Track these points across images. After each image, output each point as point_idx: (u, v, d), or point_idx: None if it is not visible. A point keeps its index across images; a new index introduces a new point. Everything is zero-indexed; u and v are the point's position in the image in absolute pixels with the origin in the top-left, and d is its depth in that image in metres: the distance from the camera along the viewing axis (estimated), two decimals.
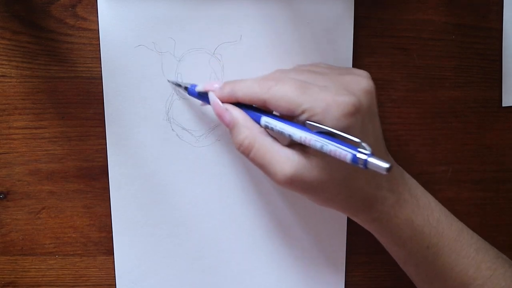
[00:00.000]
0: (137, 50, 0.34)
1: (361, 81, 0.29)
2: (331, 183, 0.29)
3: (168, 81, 0.35)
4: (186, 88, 0.34)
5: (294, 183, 0.29)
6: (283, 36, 0.35)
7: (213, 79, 0.35)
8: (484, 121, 0.37)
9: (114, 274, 0.37)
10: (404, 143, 0.37)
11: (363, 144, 0.26)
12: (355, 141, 0.26)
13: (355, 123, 0.27)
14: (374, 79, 0.36)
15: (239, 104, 0.31)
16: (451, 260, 0.31)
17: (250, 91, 0.30)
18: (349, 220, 0.37)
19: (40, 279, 0.38)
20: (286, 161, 0.29)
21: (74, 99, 0.35)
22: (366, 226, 0.33)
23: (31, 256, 0.37)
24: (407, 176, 0.33)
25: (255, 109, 0.31)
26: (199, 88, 0.33)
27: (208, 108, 0.35)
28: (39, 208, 0.37)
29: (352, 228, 0.38)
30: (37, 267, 0.37)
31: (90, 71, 0.35)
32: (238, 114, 0.30)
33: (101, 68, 0.35)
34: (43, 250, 0.37)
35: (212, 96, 0.31)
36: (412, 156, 0.37)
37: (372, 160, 0.25)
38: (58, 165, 0.36)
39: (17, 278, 0.38)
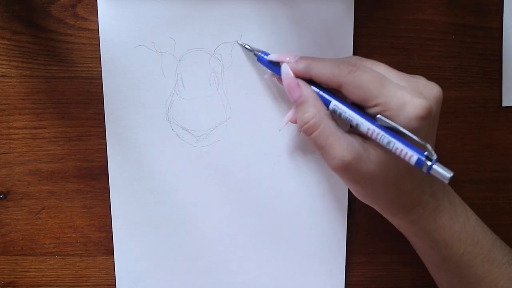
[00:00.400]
0: (137, 50, 0.34)
1: (434, 88, 0.29)
2: (382, 179, 0.29)
3: (238, 42, 0.34)
4: (255, 55, 0.33)
5: (348, 171, 0.29)
6: (283, 36, 0.35)
7: (213, 79, 0.35)
8: (484, 121, 0.37)
9: (114, 274, 0.37)
10: None
11: (430, 148, 0.26)
12: (423, 145, 0.27)
13: (423, 126, 0.28)
14: None
15: (309, 82, 0.31)
16: (484, 269, 0.32)
17: (329, 71, 0.30)
18: (349, 220, 0.37)
19: (40, 279, 0.38)
20: (347, 147, 0.29)
21: (74, 99, 0.35)
22: (403, 228, 0.33)
23: (31, 256, 0.37)
24: (447, 184, 0.33)
25: (324, 91, 0.31)
26: (272, 57, 0.32)
27: (207, 108, 0.35)
28: (39, 208, 0.37)
29: (352, 228, 0.38)
30: (37, 267, 0.37)
31: (90, 71, 0.35)
32: (309, 92, 0.30)
33: (101, 68, 0.35)
34: (43, 250, 0.37)
35: (286, 68, 0.31)
36: None
37: (437, 167, 0.26)
38: (58, 165, 0.36)
39: (17, 278, 0.38)
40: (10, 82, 0.35)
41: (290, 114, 0.33)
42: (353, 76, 0.29)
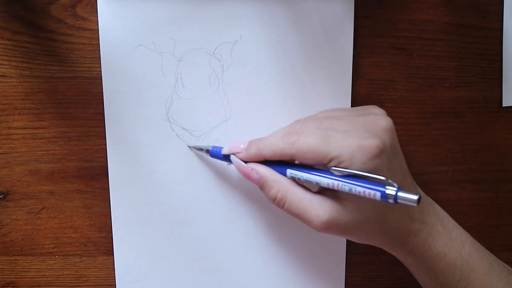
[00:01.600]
0: (137, 50, 0.34)
1: (380, 120, 0.30)
2: (365, 222, 0.30)
3: (189, 147, 0.35)
4: (207, 151, 0.34)
5: (331, 227, 0.30)
6: (283, 36, 0.35)
7: (213, 79, 0.35)
8: (484, 121, 0.37)
9: (114, 274, 0.37)
10: (404, 143, 0.37)
11: (389, 181, 0.27)
12: (382, 180, 0.27)
13: (381, 163, 0.28)
14: (374, 79, 0.36)
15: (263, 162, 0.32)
16: None
17: (276, 148, 0.30)
18: None
19: (40, 279, 0.38)
20: (320, 207, 0.29)
21: (74, 99, 0.35)
22: (403, 259, 0.33)
23: (31, 256, 0.37)
24: (438, 207, 0.33)
25: (278, 162, 0.31)
26: (225, 151, 0.33)
27: (207, 108, 0.35)
28: (39, 208, 0.37)
29: None
30: (37, 267, 0.37)
31: (90, 71, 0.35)
32: (264, 171, 0.31)
33: (101, 68, 0.35)
34: (43, 250, 0.37)
35: (234, 159, 0.32)
36: (412, 156, 0.37)
37: (402, 194, 0.26)
38: (58, 165, 0.36)
39: (17, 278, 0.38)
40: (10, 82, 0.35)
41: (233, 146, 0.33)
42: (297, 145, 0.29)
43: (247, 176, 0.32)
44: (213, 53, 0.35)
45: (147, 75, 0.35)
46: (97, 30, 0.34)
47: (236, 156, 0.32)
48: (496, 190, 0.38)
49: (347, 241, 0.37)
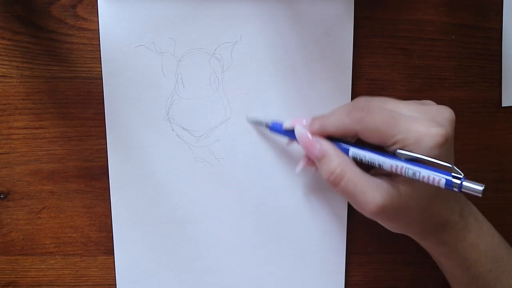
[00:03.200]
0: (137, 50, 0.34)
1: (445, 111, 0.30)
2: (413, 209, 0.30)
3: (247, 118, 0.35)
4: (267, 126, 0.34)
5: (383, 212, 0.29)
6: (283, 36, 0.35)
7: (213, 79, 0.35)
8: (484, 121, 0.37)
9: (114, 274, 0.37)
10: None
11: (455, 168, 0.27)
12: (448, 167, 0.27)
13: (443, 152, 0.28)
14: (374, 79, 0.36)
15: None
16: (509, 285, 0.32)
17: (340, 124, 0.30)
18: (349, 220, 0.37)
19: (41, 279, 0.38)
20: (377, 190, 0.29)
21: (74, 99, 0.35)
22: (433, 250, 0.33)
23: (31, 256, 0.37)
24: (471, 203, 0.34)
25: (340, 141, 0.31)
26: (287, 125, 0.33)
27: (207, 108, 0.35)
28: (40, 208, 0.37)
29: (352, 228, 0.38)
30: (37, 267, 0.37)
31: (90, 71, 0.35)
32: (327, 144, 0.31)
33: (101, 68, 0.35)
34: (43, 250, 0.37)
35: (299, 128, 0.32)
36: None
37: (467, 183, 0.27)
38: (58, 165, 0.36)
39: (18, 278, 0.38)
40: (10, 82, 0.35)
41: (304, 160, 0.33)
42: (365, 122, 0.29)
43: (309, 147, 0.31)
44: (213, 53, 0.35)
45: (147, 75, 0.35)
46: (98, 30, 0.34)
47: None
48: (496, 190, 0.38)
49: (347, 241, 0.37)
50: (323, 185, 0.36)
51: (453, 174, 0.27)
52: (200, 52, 0.35)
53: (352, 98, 0.36)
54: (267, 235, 0.37)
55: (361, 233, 0.38)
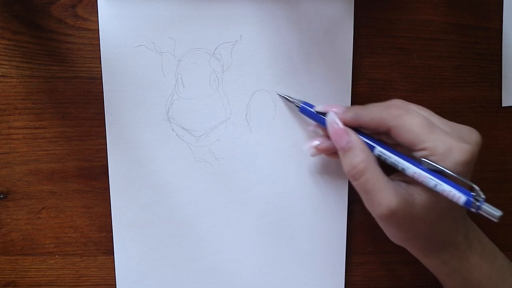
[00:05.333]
0: (137, 50, 0.34)
1: (474, 133, 0.30)
2: (423, 222, 0.30)
3: (278, 94, 0.35)
4: (298, 106, 0.34)
5: (394, 217, 0.29)
6: (283, 36, 0.35)
7: (213, 79, 0.35)
8: (484, 121, 0.37)
9: (114, 274, 0.37)
10: None
11: (477, 189, 0.28)
12: (470, 186, 0.28)
13: (467, 170, 0.29)
14: (374, 79, 0.36)
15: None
16: None
17: (376, 116, 0.30)
18: (349, 220, 0.37)
19: (40, 279, 0.38)
20: (393, 193, 0.29)
21: (74, 99, 0.35)
22: (436, 269, 0.33)
23: (31, 256, 0.37)
24: (475, 225, 0.34)
25: (368, 138, 0.31)
26: (319, 108, 0.33)
27: (207, 108, 0.35)
28: (39, 208, 0.37)
29: (352, 228, 0.38)
30: (37, 267, 0.37)
31: (90, 71, 0.35)
32: (356, 138, 0.31)
33: (101, 68, 0.35)
34: (43, 250, 0.37)
35: (332, 116, 0.32)
36: None
37: (486, 207, 0.27)
38: (58, 165, 0.36)
39: (17, 278, 0.38)
40: (10, 82, 0.35)
41: (320, 140, 0.33)
42: (403, 120, 0.29)
43: (338, 136, 0.31)
44: (213, 53, 0.35)
45: (147, 75, 0.35)
46: (98, 30, 0.34)
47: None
48: (496, 190, 0.38)
49: (347, 240, 0.37)
50: (323, 185, 0.36)
51: (472, 193, 0.27)
52: (200, 52, 0.35)
53: (352, 98, 0.36)
54: (267, 235, 0.37)
55: (361, 233, 0.38)
